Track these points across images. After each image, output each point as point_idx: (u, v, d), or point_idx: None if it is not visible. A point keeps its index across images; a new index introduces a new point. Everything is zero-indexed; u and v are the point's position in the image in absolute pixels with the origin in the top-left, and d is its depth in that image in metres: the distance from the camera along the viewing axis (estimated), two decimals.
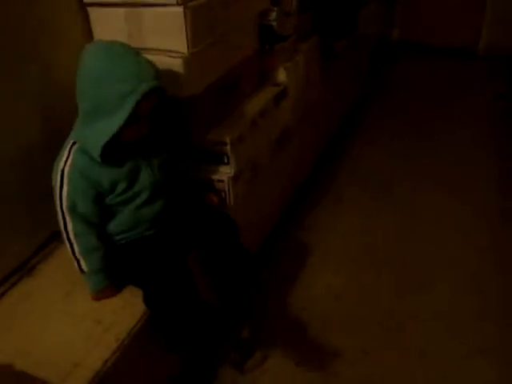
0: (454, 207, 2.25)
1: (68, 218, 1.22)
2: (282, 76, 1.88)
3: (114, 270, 1.30)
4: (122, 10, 1.40)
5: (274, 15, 1.78)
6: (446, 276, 1.88)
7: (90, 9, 1.46)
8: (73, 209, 1.21)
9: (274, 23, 1.79)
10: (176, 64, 1.38)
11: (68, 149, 1.21)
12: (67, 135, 1.25)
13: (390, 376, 1.53)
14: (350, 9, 2.62)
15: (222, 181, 1.55)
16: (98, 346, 1.16)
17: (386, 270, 1.92)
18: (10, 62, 1.28)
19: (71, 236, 1.23)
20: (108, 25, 1.44)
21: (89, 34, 1.48)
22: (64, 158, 1.21)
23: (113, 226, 1.29)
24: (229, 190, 1.56)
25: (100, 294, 1.29)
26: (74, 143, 1.21)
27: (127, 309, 1.26)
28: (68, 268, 1.32)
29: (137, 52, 1.20)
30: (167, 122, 1.39)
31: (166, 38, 1.38)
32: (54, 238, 1.46)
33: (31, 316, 1.26)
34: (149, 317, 1.25)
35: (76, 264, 1.27)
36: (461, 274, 1.89)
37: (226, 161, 1.54)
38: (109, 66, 1.14)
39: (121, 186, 1.24)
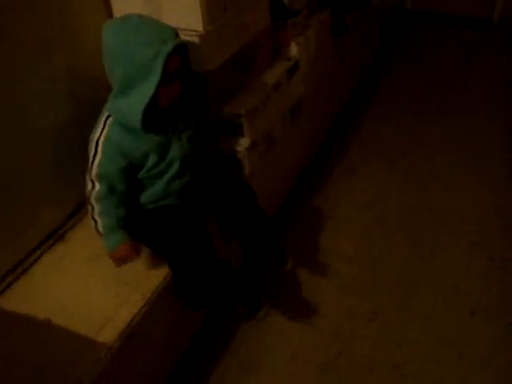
0: (465, 177, 2.29)
1: (96, 183, 1.27)
2: (293, 50, 1.93)
3: (134, 233, 1.35)
4: None
5: None
6: (456, 242, 1.94)
7: None
8: (102, 175, 1.27)
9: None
10: (193, 42, 1.44)
11: (103, 121, 1.27)
12: (94, 112, 1.31)
13: (397, 336, 1.61)
14: None
15: (238, 151, 1.62)
16: (126, 303, 1.27)
17: (397, 237, 1.99)
18: (38, 49, 1.35)
19: (93, 199, 1.29)
20: (128, 7, 1.49)
21: (110, 17, 1.54)
22: (99, 130, 1.27)
23: (144, 197, 1.37)
24: (244, 161, 1.63)
25: (116, 254, 1.31)
26: (108, 116, 1.27)
27: (151, 271, 1.37)
28: (95, 234, 1.42)
29: (152, 18, 1.27)
30: (191, 97, 1.45)
31: (183, 17, 1.44)
32: (82, 207, 1.56)
33: (65, 277, 1.37)
34: (171, 277, 1.35)
35: (93, 225, 1.32)
36: (470, 241, 1.95)
37: (241, 132, 1.61)
38: (130, 35, 1.19)
39: (152, 160, 1.30)
